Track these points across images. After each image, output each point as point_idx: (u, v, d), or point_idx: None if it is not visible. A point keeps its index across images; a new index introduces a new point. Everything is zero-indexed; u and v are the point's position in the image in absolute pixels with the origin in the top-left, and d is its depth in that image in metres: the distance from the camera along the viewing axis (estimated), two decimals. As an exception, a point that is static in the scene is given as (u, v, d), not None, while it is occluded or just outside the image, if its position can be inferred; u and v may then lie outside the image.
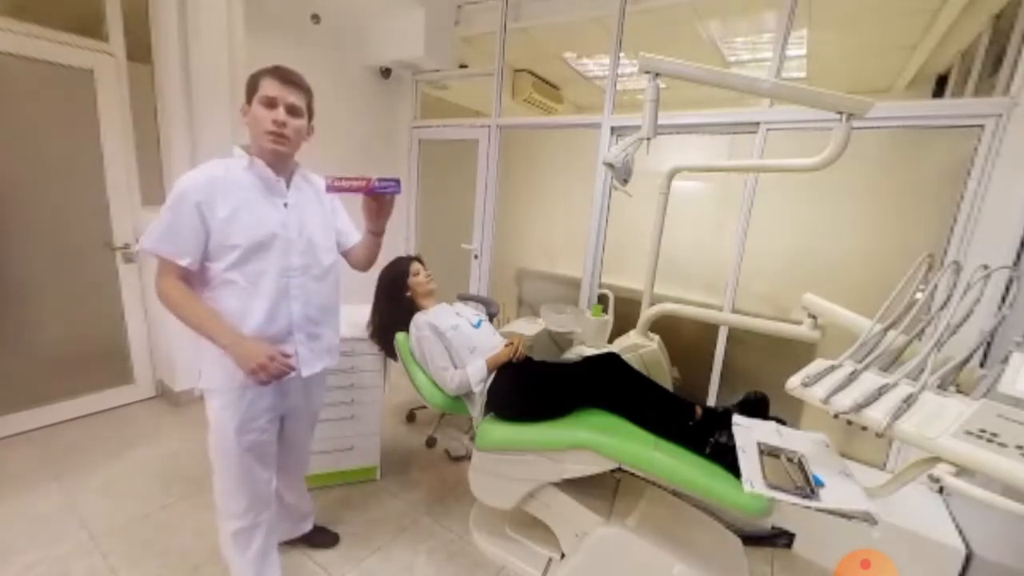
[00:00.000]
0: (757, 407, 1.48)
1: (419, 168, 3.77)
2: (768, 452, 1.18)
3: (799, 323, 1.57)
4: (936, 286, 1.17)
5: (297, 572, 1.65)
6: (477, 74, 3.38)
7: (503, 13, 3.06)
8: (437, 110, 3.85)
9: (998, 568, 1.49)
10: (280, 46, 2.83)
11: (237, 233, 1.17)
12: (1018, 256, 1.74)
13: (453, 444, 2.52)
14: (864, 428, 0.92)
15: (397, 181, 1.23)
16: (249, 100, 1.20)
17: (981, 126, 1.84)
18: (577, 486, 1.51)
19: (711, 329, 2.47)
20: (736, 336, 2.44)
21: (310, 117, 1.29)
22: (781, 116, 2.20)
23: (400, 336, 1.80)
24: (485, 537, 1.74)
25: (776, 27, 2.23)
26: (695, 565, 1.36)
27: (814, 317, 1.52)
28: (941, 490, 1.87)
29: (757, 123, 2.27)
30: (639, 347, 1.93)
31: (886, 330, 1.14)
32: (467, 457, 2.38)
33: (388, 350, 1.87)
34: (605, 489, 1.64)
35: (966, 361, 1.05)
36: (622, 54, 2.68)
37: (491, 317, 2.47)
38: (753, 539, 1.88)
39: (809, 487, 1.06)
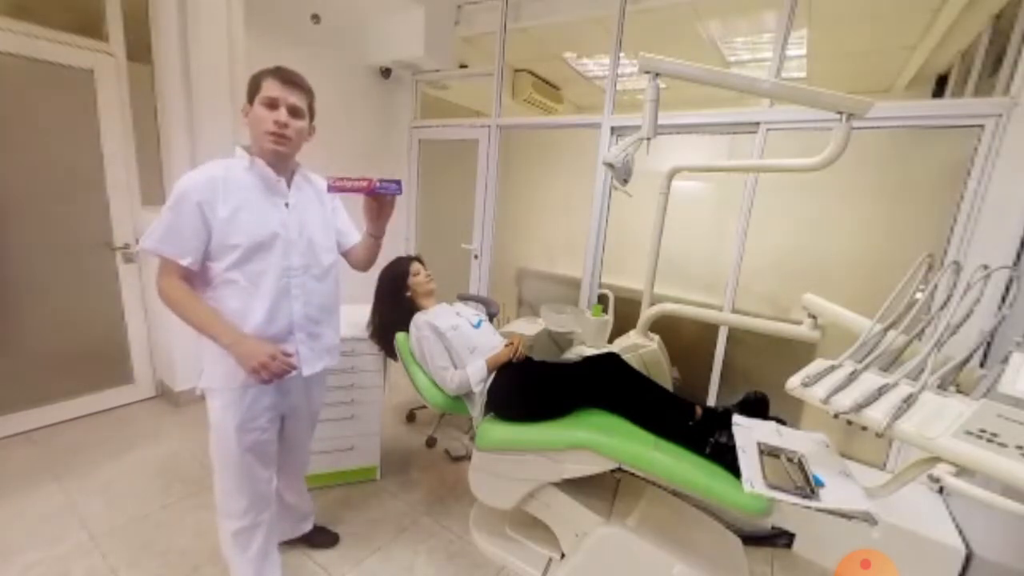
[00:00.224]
0: (757, 407, 1.48)
1: (419, 168, 3.77)
2: (768, 452, 1.18)
3: (799, 323, 1.57)
4: (936, 286, 1.17)
5: (297, 572, 1.65)
6: (477, 74, 3.38)
7: (503, 13, 3.06)
8: (437, 110, 3.85)
9: (998, 568, 1.48)
10: (280, 46, 2.83)
11: (238, 233, 1.18)
12: (1018, 256, 1.74)
13: (453, 444, 2.52)
14: (864, 428, 0.92)
15: (398, 182, 1.23)
16: (251, 100, 1.21)
17: (981, 126, 1.84)
18: (577, 486, 1.51)
19: (711, 329, 2.47)
20: (736, 336, 2.44)
21: (311, 118, 1.29)
22: (781, 116, 2.20)
23: (400, 336, 1.80)
24: (485, 537, 1.74)
25: (776, 27, 2.23)
26: (695, 565, 1.36)
27: (814, 317, 1.52)
28: (941, 490, 1.87)
29: (757, 123, 2.27)
30: (639, 347, 1.93)
31: (886, 330, 1.14)
32: (467, 457, 2.38)
33: (388, 350, 1.88)
34: (605, 489, 1.64)
35: (966, 361, 1.05)
36: (622, 54, 2.68)
37: (491, 317, 2.47)
38: (753, 539, 1.88)
39: (809, 487, 1.06)
